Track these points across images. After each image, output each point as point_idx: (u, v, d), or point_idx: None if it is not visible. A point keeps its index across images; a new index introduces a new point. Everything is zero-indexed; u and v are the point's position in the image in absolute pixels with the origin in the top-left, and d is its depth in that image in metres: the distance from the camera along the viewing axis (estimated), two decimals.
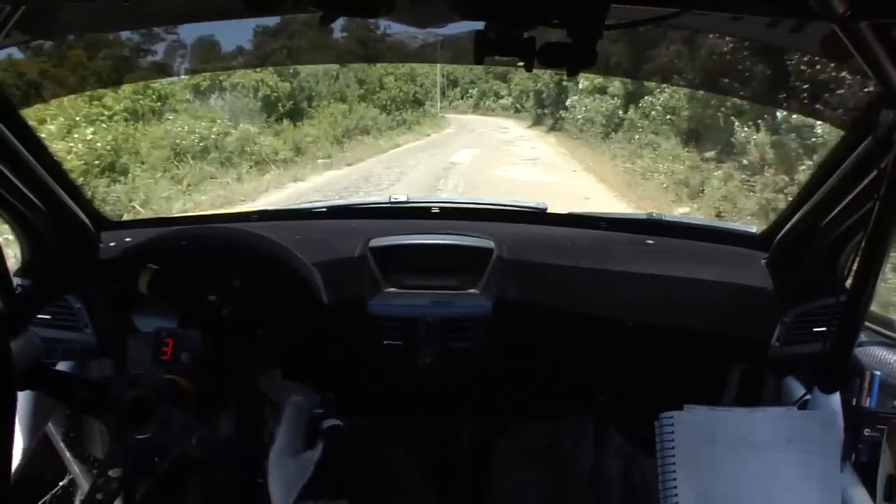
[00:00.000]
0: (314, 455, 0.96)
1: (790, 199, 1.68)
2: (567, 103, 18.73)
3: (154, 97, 11.26)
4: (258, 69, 14.91)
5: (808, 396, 1.51)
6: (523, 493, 1.82)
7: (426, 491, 1.82)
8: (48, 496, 1.60)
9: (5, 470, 0.73)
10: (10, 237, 1.62)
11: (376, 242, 1.70)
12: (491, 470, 1.85)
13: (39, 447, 1.47)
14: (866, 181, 1.34)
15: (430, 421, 1.87)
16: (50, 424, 1.49)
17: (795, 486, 1.36)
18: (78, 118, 8.93)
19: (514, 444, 1.88)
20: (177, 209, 8.44)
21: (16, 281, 1.45)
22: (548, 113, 22.31)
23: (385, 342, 1.63)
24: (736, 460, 1.39)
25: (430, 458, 1.85)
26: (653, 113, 12.39)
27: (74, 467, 1.56)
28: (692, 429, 1.42)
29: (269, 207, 2.24)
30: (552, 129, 20.49)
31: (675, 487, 1.39)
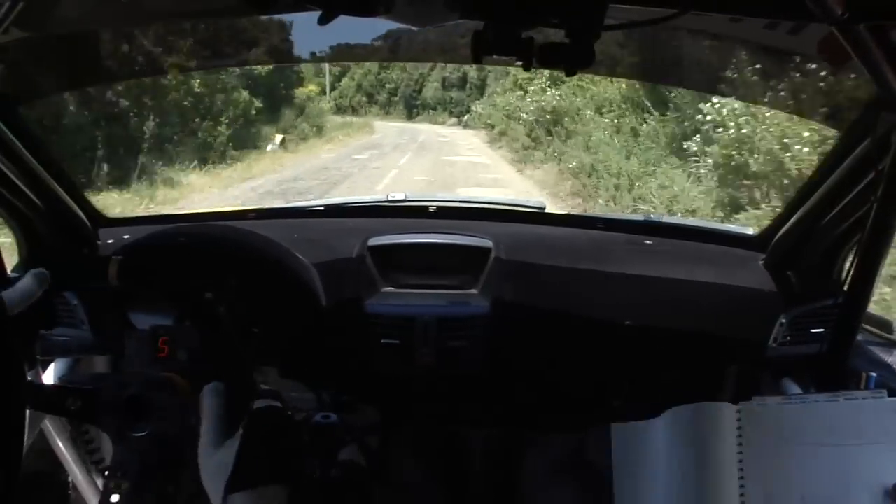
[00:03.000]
0: (236, 443, 0.92)
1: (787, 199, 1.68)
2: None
3: None
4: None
5: None
6: (553, 501, 1.82)
7: (431, 494, 1.82)
8: (48, 496, 1.60)
9: (13, 470, 0.73)
10: (8, 234, 1.61)
11: (374, 241, 1.70)
12: (508, 475, 1.85)
13: (37, 446, 1.46)
14: (864, 183, 1.35)
15: (431, 421, 1.87)
16: (46, 422, 1.48)
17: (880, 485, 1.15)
18: None
19: (538, 452, 1.88)
20: None
21: (13, 278, 1.45)
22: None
23: (383, 341, 1.63)
24: (814, 458, 1.20)
25: (431, 459, 1.85)
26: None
27: (73, 466, 1.56)
28: (763, 424, 1.24)
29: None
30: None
31: (743, 494, 1.21)
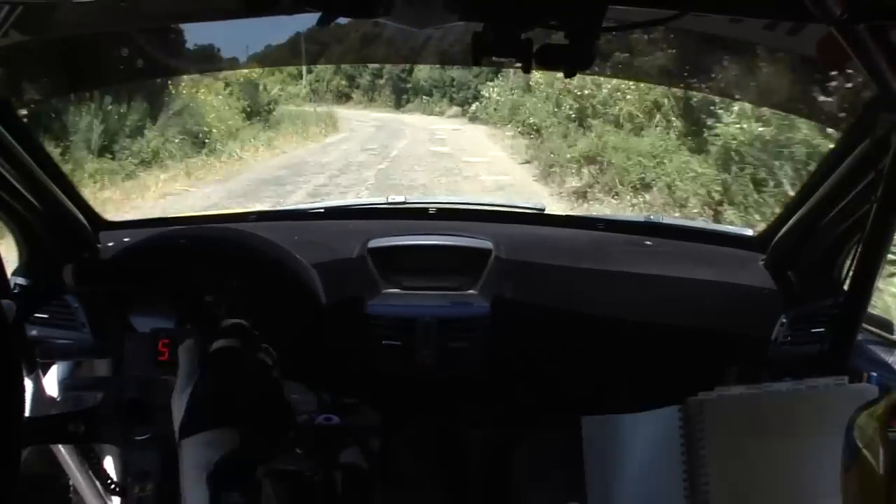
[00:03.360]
0: (201, 383, 0.89)
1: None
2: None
3: None
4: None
5: None
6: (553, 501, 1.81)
7: (432, 494, 1.82)
8: (48, 498, 1.60)
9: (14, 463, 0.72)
10: (8, 238, 1.61)
11: (375, 243, 1.70)
12: (508, 475, 1.85)
13: (37, 447, 1.46)
14: (864, 183, 1.35)
15: (433, 422, 1.87)
16: None
17: None
18: None
19: (539, 452, 1.88)
20: None
21: (13, 281, 1.45)
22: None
23: (384, 342, 1.63)
24: (777, 447, 1.20)
25: (433, 460, 1.85)
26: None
27: (73, 467, 1.56)
28: (724, 415, 1.25)
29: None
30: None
31: (707, 483, 1.22)
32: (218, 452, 0.81)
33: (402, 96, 26.49)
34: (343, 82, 28.30)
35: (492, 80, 17.96)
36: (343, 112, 22.24)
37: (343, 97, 27.59)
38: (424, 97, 25.00)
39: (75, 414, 1.10)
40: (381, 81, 27.45)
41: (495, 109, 17.28)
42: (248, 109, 15.73)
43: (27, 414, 0.96)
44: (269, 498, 0.84)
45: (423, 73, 24.64)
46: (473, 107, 20.26)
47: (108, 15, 1.33)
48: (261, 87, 17.10)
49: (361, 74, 27.71)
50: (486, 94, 18.35)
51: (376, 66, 27.13)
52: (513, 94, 15.75)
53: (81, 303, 1.55)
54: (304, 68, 25.12)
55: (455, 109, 22.40)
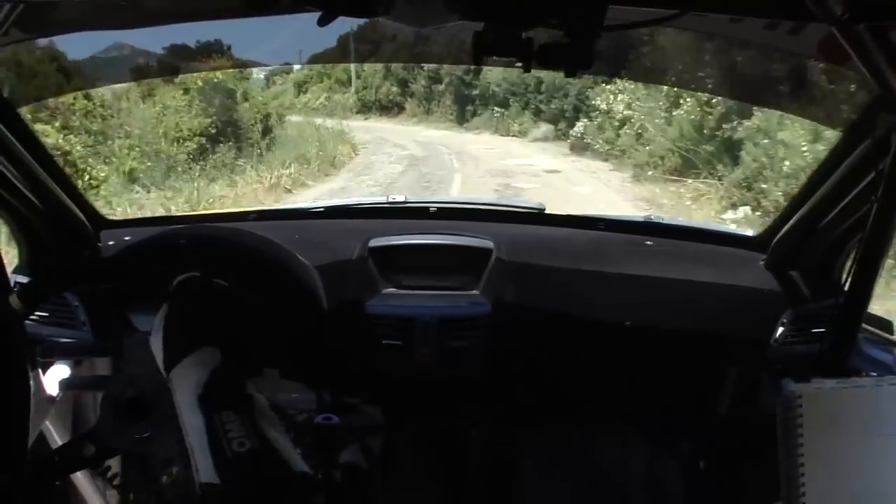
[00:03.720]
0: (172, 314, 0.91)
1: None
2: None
3: None
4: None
5: None
6: (554, 500, 1.82)
7: (432, 493, 1.82)
8: (48, 496, 1.60)
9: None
10: (9, 236, 1.61)
11: (375, 243, 1.70)
12: (508, 474, 1.85)
13: (37, 446, 1.46)
14: (864, 183, 1.35)
15: (433, 421, 1.87)
16: (47, 422, 1.48)
17: None
18: None
19: (538, 452, 1.88)
20: None
21: (14, 279, 1.45)
22: None
23: (384, 342, 1.63)
24: (875, 447, 1.16)
25: (432, 459, 1.85)
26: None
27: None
28: (822, 408, 1.18)
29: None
30: None
31: (803, 484, 1.16)
32: (205, 372, 0.83)
33: (465, 107, 19.16)
34: (395, 88, 21.91)
35: (611, 83, 10.67)
36: (379, 127, 17.58)
37: (394, 108, 22.00)
38: (497, 109, 17.48)
39: (83, 437, 1.10)
40: (441, 87, 20.59)
41: (613, 134, 10.21)
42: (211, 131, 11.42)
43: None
44: (261, 411, 0.84)
45: (495, 74, 16.48)
46: (579, 126, 12.54)
47: (108, 14, 1.33)
48: (238, 93, 12.70)
49: (416, 79, 21.22)
50: (604, 106, 11.11)
51: (433, 66, 20.78)
52: (656, 108, 9.19)
53: (82, 301, 1.55)
54: (352, 73, 21.72)
55: (545, 129, 14.42)
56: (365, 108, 21.40)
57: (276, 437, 0.82)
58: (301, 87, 22.04)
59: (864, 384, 1.23)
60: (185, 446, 1.02)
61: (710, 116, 8.98)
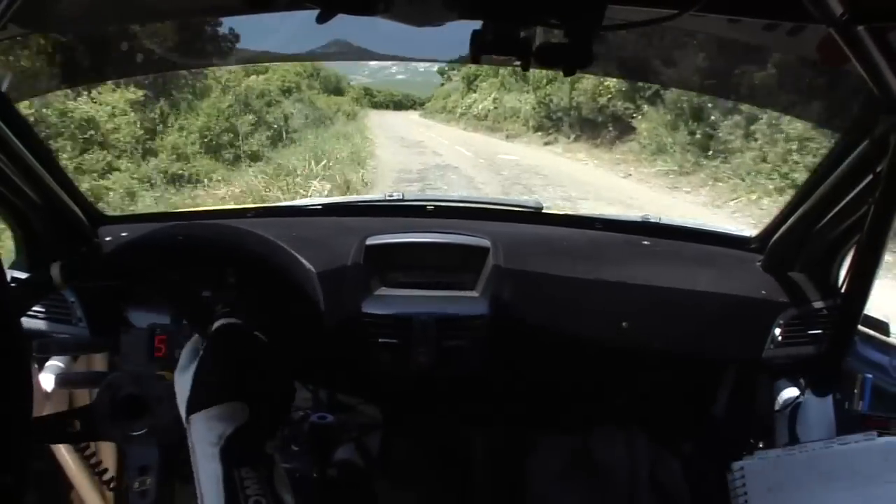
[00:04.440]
0: (206, 360, 0.90)
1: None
2: None
3: None
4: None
5: (800, 399, 1.51)
6: (552, 500, 1.82)
7: (428, 491, 1.82)
8: (48, 496, 1.60)
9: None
10: (6, 231, 1.61)
11: (372, 241, 1.69)
12: (506, 473, 1.86)
13: (36, 446, 1.46)
14: (862, 185, 1.35)
15: (429, 421, 1.87)
16: None
17: None
18: None
19: (535, 451, 1.88)
20: None
21: (10, 275, 1.44)
22: None
23: (380, 341, 1.62)
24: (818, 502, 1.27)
25: (429, 458, 1.85)
26: None
27: (71, 465, 1.56)
28: (765, 477, 1.33)
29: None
30: None
31: None
32: (228, 426, 0.81)
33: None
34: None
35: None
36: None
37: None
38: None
39: (72, 412, 1.10)
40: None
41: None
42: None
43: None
44: (279, 474, 0.84)
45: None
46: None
47: (108, 11, 1.33)
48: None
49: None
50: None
51: None
52: None
53: (78, 298, 1.54)
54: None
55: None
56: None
57: (291, 502, 0.82)
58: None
59: (812, 448, 1.32)
60: (164, 460, 1.01)
61: None
